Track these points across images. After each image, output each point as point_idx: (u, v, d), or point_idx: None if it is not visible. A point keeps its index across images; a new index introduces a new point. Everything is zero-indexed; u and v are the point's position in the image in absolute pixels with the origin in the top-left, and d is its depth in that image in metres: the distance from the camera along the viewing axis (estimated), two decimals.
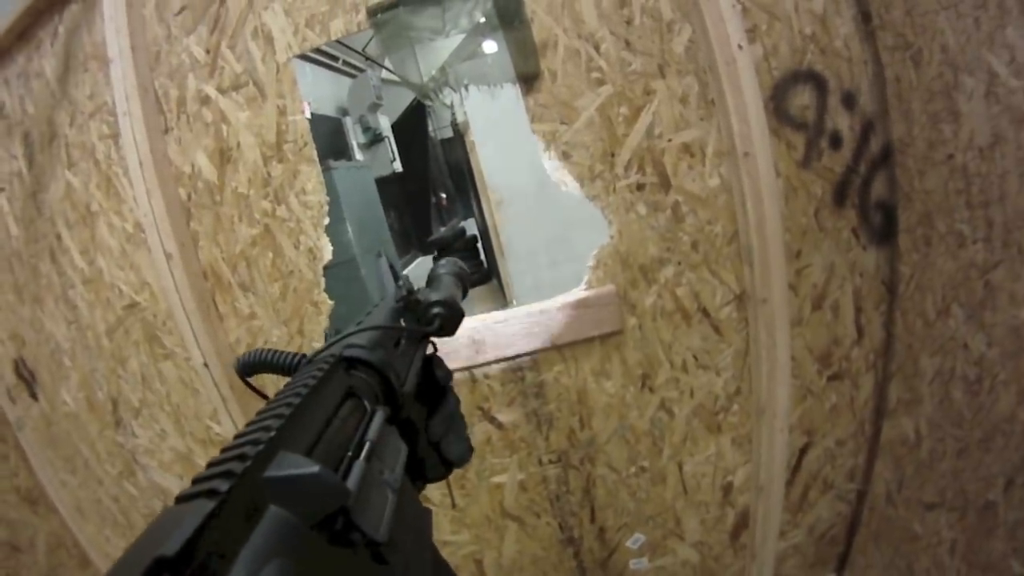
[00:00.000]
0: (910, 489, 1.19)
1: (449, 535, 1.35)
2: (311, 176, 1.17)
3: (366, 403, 0.35)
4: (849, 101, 1.04)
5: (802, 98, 1.06)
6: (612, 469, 1.30)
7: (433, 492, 1.31)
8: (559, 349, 1.21)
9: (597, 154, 1.12)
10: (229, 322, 1.27)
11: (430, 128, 1.68)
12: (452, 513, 1.33)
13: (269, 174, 1.18)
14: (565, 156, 1.12)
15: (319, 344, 1.20)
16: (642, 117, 1.10)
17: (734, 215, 1.14)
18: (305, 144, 1.16)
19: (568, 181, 1.14)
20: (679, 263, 1.18)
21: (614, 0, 1.04)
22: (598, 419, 1.26)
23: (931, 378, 1.07)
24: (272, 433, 0.24)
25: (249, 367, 0.44)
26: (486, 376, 1.23)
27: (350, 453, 0.29)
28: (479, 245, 1.64)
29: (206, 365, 1.24)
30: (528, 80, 1.08)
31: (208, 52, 1.20)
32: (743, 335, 1.21)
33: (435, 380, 0.51)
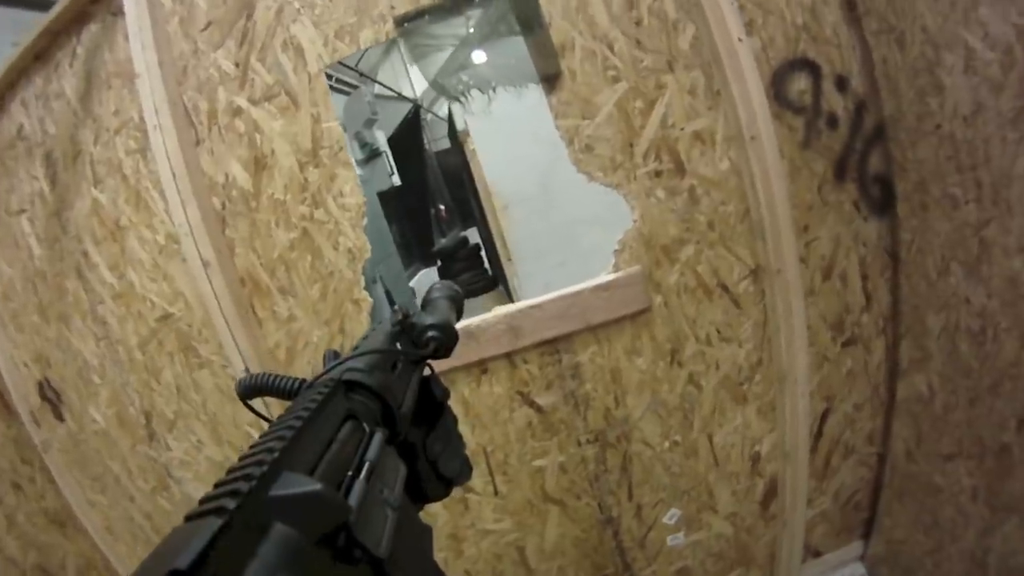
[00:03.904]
0: (928, 443, 1.37)
1: (491, 524, 1.51)
2: (348, 179, 1.34)
3: (365, 425, 0.40)
4: (842, 84, 1.27)
5: (799, 84, 1.28)
6: (647, 445, 1.48)
7: (476, 480, 1.47)
8: (593, 330, 1.40)
9: (617, 145, 1.32)
10: (268, 326, 1.42)
11: (425, 141, 1.82)
12: (495, 501, 1.50)
13: (306, 179, 1.35)
14: (588, 149, 1.32)
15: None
16: (656, 109, 1.30)
17: (744, 195, 1.34)
18: (340, 149, 1.33)
19: (592, 172, 1.33)
20: (698, 242, 1.38)
21: (623, 3, 1.25)
22: (632, 396, 1.45)
23: (938, 334, 1.27)
24: (275, 454, 0.28)
25: (250, 390, 0.49)
26: (524, 361, 1.41)
27: (351, 473, 0.33)
28: (482, 253, 1.81)
29: (247, 370, 1.39)
30: (550, 80, 1.28)
31: (238, 65, 1.37)
32: (760, 307, 1.41)
33: (432, 400, 0.57)
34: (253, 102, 1.36)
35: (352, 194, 1.35)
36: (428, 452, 0.53)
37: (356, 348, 0.52)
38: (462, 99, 1.32)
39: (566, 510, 1.52)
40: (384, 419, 0.45)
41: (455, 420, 0.59)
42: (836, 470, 1.52)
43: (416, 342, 0.57)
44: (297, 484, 0.26)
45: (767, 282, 1.37)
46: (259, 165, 1.36)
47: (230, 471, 0.28)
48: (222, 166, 1.38)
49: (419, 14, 1.31)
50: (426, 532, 0.41)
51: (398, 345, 0.55)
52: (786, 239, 1.31)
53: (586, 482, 1.50)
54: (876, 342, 1.43)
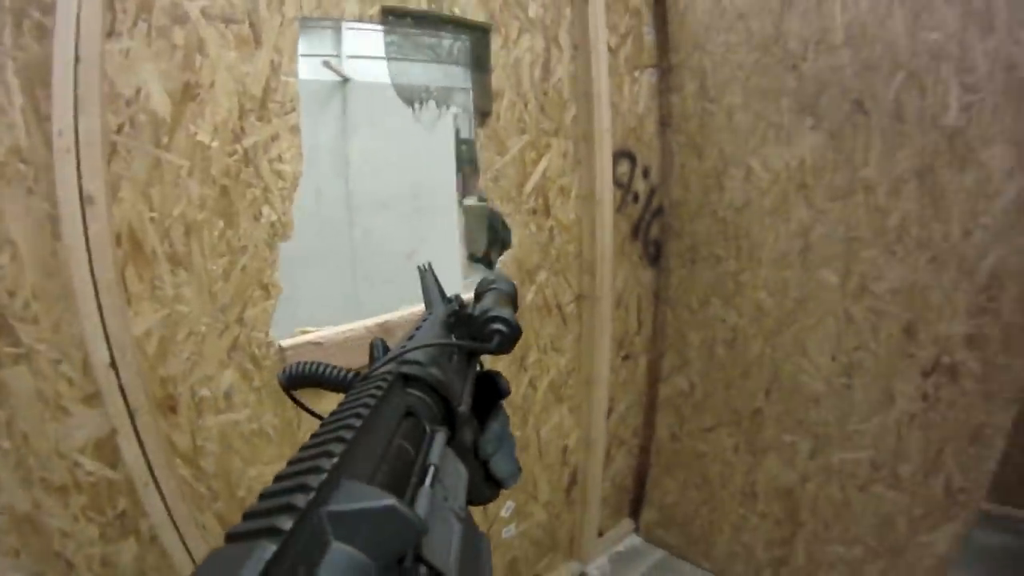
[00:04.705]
0: (690, 424, 1.93)
1: None
2: (292, 146, 1.23)
3: (425, 424, 0.37)
4: (646, 173, 1.90)
5: (623, 167, 1.86)
6: None
7: None
8: None
9: (514, 183, 1.64)
10: (141, 306, 1.11)
11: None
12: None
13: (243, 129, 1.17)
14: (496, 180, 1.60)
15: (258, 335, 1.33)
16: (542, 162, 1.69)
17: (581, 239, 1.82)
18: (293, 110, 1.22)
19: (495, 199, 1.61)
20: (548, 269, 1.77)
21: (541, 75, 1.63)
22: None
23: (698, 346, 1.90)
24: (335, 459, 0.24)
25: (296, 380, 0.46)
26: None
27: (414, 479, 0.30)
28: None
29: (112, 364, 1.07)
30: (483, 116, 1.54)
31: None
32: (579, 325, 1.86)
33: (488, 396, 0.53)
34: (206, 16, 1.12)
35: (292, 162, 1.25)
36: (481, 452, 0.49)
37: (411, 337, 0.50)
38: (415, 106, 1.45)
39: None
40: (444, 417, 0.42)
41: (507, 419, 0.55)
42: (614, 459, 2.02)
43: (478, 335, 0.52)
44: (362, 496, 0.23)
45: (586, 306, 1.84)
46: (188, 93, 1.11)
47: (278, 477, 0.24)
48: (135, 76, 1.06)
49: (406, 15, 1.37)
50: (484, 543, 0.36)
51: (453, 337, 0.52)
52: (606, 275, 1.82)
53: None
54: (642, 357, 2.04)
